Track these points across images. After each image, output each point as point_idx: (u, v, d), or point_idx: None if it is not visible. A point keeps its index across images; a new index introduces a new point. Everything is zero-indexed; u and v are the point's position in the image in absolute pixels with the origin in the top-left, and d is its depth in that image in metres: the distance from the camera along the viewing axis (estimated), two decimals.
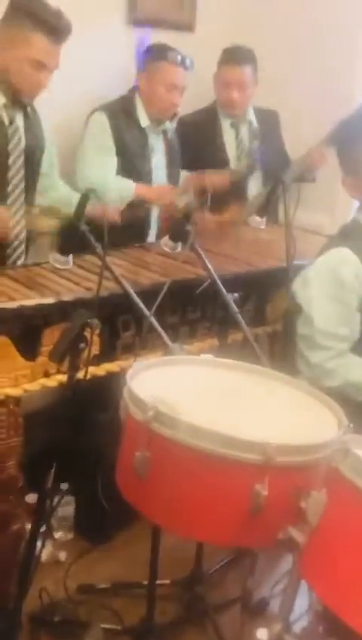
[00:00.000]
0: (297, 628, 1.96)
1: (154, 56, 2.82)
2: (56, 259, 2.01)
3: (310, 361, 2.00)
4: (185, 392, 1.57)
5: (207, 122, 3.18)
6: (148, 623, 1.99)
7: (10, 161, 2.36)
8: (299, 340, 2.04)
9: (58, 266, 2.02)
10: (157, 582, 2.01)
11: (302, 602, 1.60)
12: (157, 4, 3.16)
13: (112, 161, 2.81)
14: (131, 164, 2.84)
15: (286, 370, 1.98)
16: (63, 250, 1.98)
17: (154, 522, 1.49)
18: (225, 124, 3.19)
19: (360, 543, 1.15)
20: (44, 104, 2.44)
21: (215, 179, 2.91)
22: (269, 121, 3.28)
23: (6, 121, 2.34)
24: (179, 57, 2.78)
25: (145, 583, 2.00)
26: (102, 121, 2.79)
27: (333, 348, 1.98)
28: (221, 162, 3.15)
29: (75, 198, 2.54)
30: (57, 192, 2.61)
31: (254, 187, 3.18)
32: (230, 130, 3.20)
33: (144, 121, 2.87)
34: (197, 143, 3.09)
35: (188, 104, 3.04)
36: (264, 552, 2.14)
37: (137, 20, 3.07)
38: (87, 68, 2.85)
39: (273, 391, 1.66)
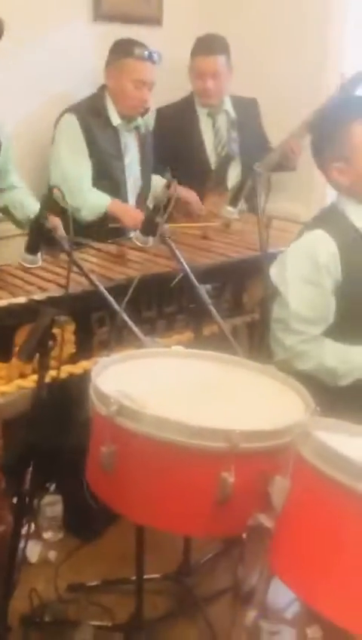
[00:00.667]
0: (289, 614, 1.97)
1: (120, 52, 2.79)
2: (24, 258, 2.00)
3: (284, 343, 1.99)
4: (154, 385, 1.57)
5: (184, 113, 3.17)
6: (137, 618, 1.98)
7: None
8: (274, 322, 2.03)
9: (27, 265, 2.01)
10: (148, 576, 2.00)
11: None
12: None
13: (87, 166, 2.78)
14: (105, 164, 2.82)
15: (264, 358, 1.97)
16: (31, 249, 1.97)
17: (124, 516, 1.48)
18: (202, 114, 3.18)
19: (323, 527, 1.14)
20: (7, 104, 2.42)
21: (184, 193, 2.88)
22: (248, 110, 3.26)
23: None
24: (146, 52, 2.75)
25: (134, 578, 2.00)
26: (72, 123, 2.76)
27: (306, 332, 1.98)
28: (199, 152, 3.14)
29: (30, 202, 2.49)
30: (12, 194, 2.55)
31: (234, 177, 3.16)
32: (207, 120, 3.18)
33: (115, 119, 2.84)
34: (174, 134, 3.08)
35: (161, 97, 3.04)
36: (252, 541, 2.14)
37: (103, 16, 3.05)
38: (51, 65, 2.84)
39: (244, 379, 1.65)
